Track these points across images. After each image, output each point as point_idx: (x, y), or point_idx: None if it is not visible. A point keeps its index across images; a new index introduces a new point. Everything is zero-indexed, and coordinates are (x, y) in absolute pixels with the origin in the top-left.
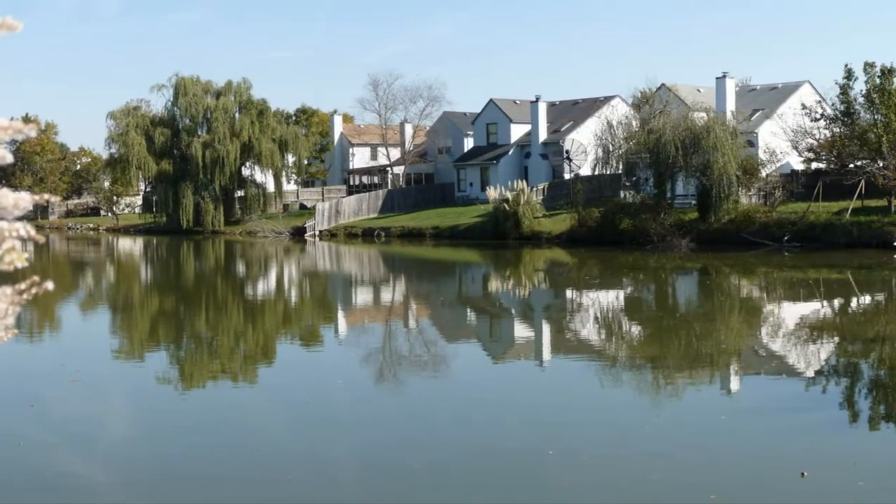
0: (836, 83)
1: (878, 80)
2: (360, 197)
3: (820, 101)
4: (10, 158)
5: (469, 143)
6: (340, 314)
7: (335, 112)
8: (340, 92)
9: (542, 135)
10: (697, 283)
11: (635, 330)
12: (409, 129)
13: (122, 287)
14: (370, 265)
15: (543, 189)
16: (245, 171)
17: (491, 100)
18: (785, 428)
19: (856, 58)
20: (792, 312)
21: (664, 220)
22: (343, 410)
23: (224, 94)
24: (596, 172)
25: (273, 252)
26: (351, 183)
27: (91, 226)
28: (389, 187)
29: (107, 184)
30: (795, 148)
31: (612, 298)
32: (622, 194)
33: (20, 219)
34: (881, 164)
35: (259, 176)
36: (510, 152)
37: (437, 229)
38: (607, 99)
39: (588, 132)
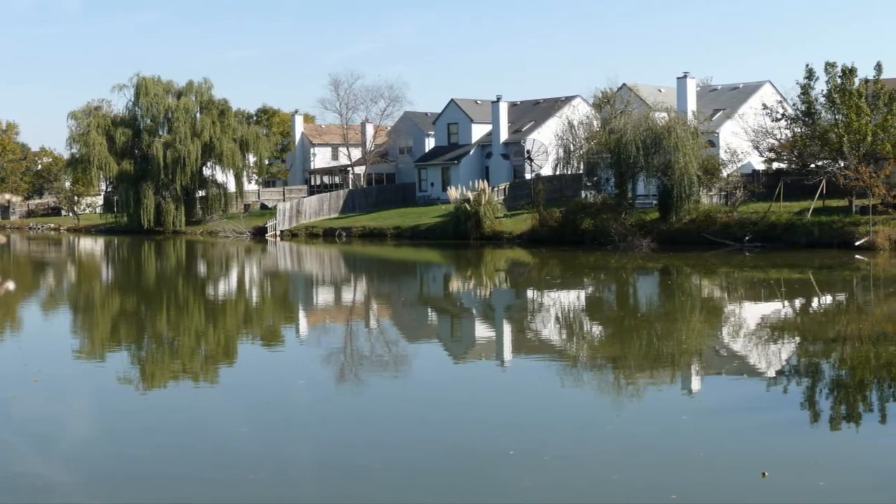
0: (797, 83)
1: (839, 80)
2: (321, 197)
3: (781, 101)
4: None
5: (430, 143)
6: (301, 314)
7: (296, 112)
8: (301, 92)
9: (504, 135)
10: (658, 283)
11: (596, 330)
12: (370, 128)
13: (83, 287)
14: (331, 265)
15: (504, 189)
16: (206, 171)
17: (452, 100)
18: (746, 428)
19: (817, 58)
20: (753, 312)
21: (625, 220)
22: (304, 410)
23: (185, 94)
24: (557, 172)
25: (234, 252)
26: (312, 183)
27: (52, 226)
28: (350, 187)
29: (68, 184)
30: (756, 148)
31: (573, 298)
32: (583, 194)
33: None
34: (842, 164)
35: (220, 176)
36: (471, 152)
37: (399, 229)
38: (568, 99)
39: (549, 132)
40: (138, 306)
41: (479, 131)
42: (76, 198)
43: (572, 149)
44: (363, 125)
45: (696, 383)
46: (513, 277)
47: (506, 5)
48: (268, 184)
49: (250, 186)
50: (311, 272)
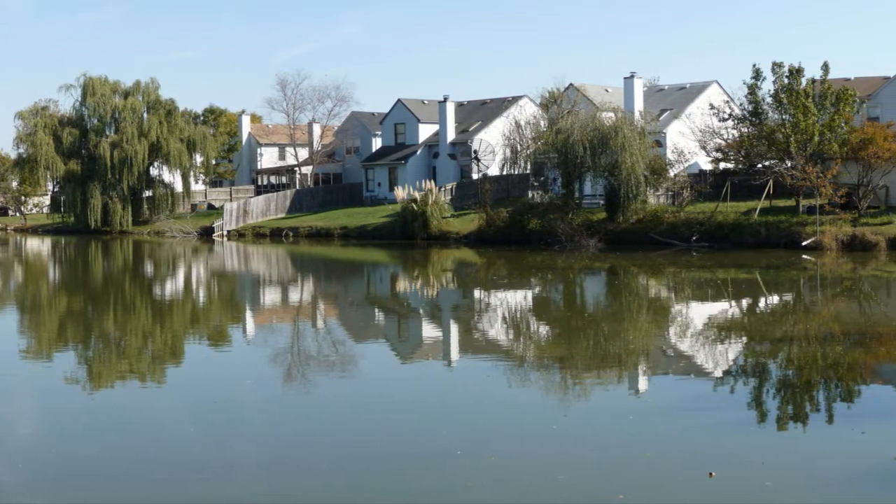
0: (745, 83)
1: (786, 80)
2: (268, 197)
3: (728, 101)
4: None
5: (377, 143)
6: (249, 314)
7: (243, 112)
8: (248, 92)
9: (451, 135)
10: (605, 283)
11: (543, 330)
12: (317, 129)
13: (29, 287)
14: (278, 265)
15: (451, 189)
16: (153, 171)
17: (399, 100)
18: (693, 428)
19: (764, 58)
20: (700, 312)
21: (572, 220)
22: (251, 411)
23: (132, 94)
24: (504, 172)
25: (181, 252)
26: (259, 183)
27: None
28: (297, 187)
29: (15, 184)
30: (703, 148)
31: (520, 298)
32: (530, 194)
33: None
34: (789, 164)
35: (167, 176)
36: (418, 152)
37: (346, 229)
38: (515, 99)
39: (496, 132)
40: (85, 306)
41: (426, 131)
42: (23, 198)
43: (519, 149)
44: (310, 125)
45: (643, 383)
46: (460, 277)
47: (452, 5)
48: (215, 184)
49: (197, 186)
50: (258, 272)
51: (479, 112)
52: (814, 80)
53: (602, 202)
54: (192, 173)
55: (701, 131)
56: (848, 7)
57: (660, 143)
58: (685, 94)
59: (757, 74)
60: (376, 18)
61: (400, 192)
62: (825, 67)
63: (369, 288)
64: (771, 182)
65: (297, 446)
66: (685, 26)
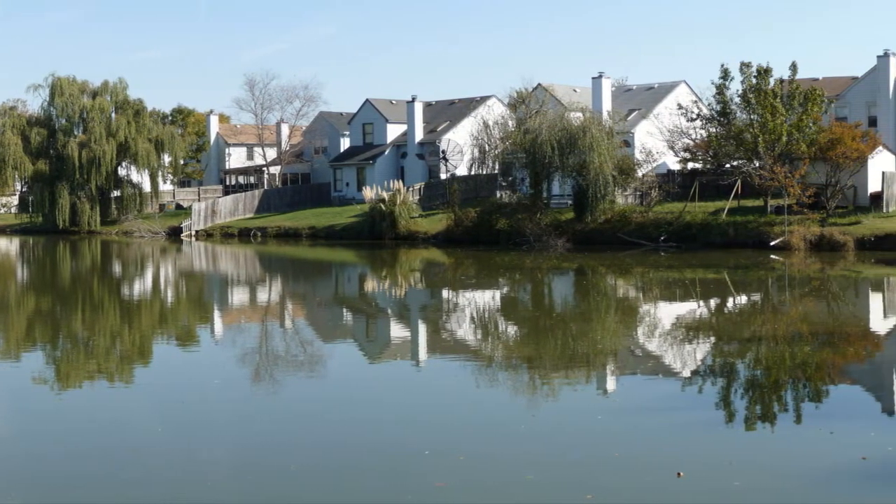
0: (713, 83)
1: (754, 80)
2: (236, 197)
3: (696, 101)
4: None
5: (345, 143)
6: (217, 314)
7: (211, 112)
8: (217, 92)
9: (419, 135)
10: (574, 283)
11: (512, 330)
12: (285, 128)
13: None
14: (246, 265)
15: (420, 189)
16: (121, 171)
17: (367, 100)
18: (661, 428)
19: (732, 58)
20: (668, 312)
21: (540, 220)
22: (219, 410)
23: (100, 94)
24: (472, 173)
25: (149, 252)
26: (227, 183)
27: None
28: (266, 187)
29: None
30: (672, 148)
31: (488, 298)
32: (498, 194)
33: None
34: (757, 164)
35: (135, 176)
36: (386, 152)
37: (314, 229)
38: (483, 99)
39: (464, 132)
40: (53, 306)
41: (394, 131)
42: None
43: (487, 149)
44: (278, 125)
45: (611, 383)
46: (428, 277)
47: (421, 5)
48: (183, 184)
49: (165, 186)
50: (226, 272)
51: (448, 112)
52: (782, 80)
53: (570, 202)
54: (160, 173)
55: (669, 131)
56: (816, 7)
57: (628, 143)
58: (653, 94)
59: (725, 74)
60: (345, 19)
61: (368, 192)
62: (793, 67)
63: (337, 288)
64: (739, 182)
65: (266, 446)
66: (653, 26)
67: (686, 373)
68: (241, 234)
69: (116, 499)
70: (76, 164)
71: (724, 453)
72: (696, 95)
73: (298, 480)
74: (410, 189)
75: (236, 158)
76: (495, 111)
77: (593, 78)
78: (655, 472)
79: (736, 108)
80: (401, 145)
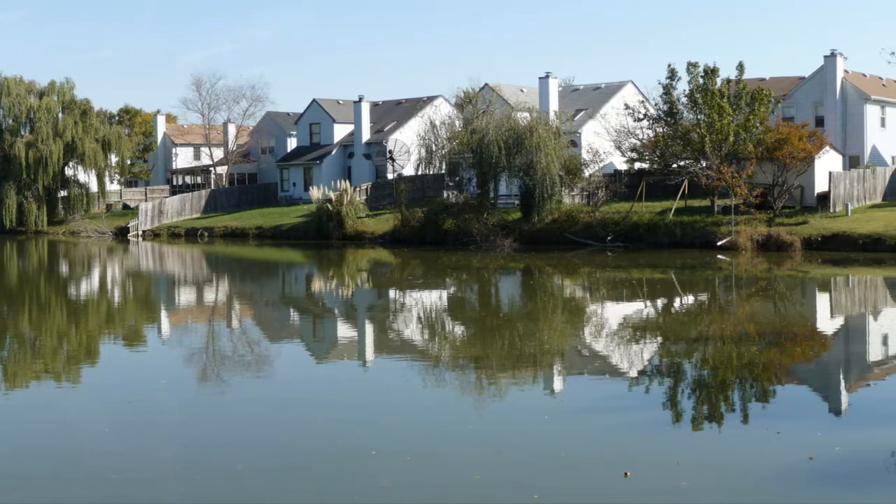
0: (660, 83)
1: (701, 80)
2: (183, 197)
3: (643, 101)
4: None
5: (292, 143)
6: (163, 314)
7: (158, 112)
8: (164, 92)
9: (366, 135)
10: (520, 283)
11: (458, 330)
12: (232, 129)
13: None
14: (193, 265)
15: (367, 189)
16: (68, 171)
17: (314, 100)
18: (608, 428)
19: (679, 58)
20: (615, 312)
21: (487, 220)
22: (166, 410)
23: (47, 94)
24: (419, 173)
25: (96, 252)
26: (174, 183)
27: None
28: (213, 187)
29: None
30: (619, 148)
31: (435, 298)
32: (445, 194)
33: None
34: (704, 164)
35: (82, 176)
36: (333, 152)
37: (261, 229)
38: (430, 99)
39: (411, 132)
40: None
41: (341, 131)
42: None
43: (434, 149)
44: (225, 125)
45: (558, 383)
46: (375, 277)
47: (367, 6)
48: (130, 184)
49: (112, 186)
50: (173, 272)
51: (394, 112)
52: (729, 80)
53: (517, 202)
54: (107, 173)
55: (616, 131)
56: (762, 7)
57: (575, 143)
58: (600, 95)
59: (672, 74)
60: (291, 19)
61: (315, 192)
62: (740, 67)
63: (284, 288)
64: (686, 182)
65: (212, 446)
66: (600, 26)
67: (633, 373)
68: (188, 234)
69: (62, 499)
70: (23, 164)
71: (671, 453)
72: (644, 95)
73: (245, 480)
74: (357, 189)
75: (183, 158)
76: (442, 111)
77: (540, 78)
78: (602, 471)
79: (683, 108)
80: (348, 145)
